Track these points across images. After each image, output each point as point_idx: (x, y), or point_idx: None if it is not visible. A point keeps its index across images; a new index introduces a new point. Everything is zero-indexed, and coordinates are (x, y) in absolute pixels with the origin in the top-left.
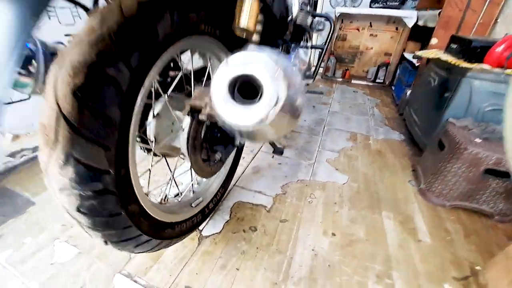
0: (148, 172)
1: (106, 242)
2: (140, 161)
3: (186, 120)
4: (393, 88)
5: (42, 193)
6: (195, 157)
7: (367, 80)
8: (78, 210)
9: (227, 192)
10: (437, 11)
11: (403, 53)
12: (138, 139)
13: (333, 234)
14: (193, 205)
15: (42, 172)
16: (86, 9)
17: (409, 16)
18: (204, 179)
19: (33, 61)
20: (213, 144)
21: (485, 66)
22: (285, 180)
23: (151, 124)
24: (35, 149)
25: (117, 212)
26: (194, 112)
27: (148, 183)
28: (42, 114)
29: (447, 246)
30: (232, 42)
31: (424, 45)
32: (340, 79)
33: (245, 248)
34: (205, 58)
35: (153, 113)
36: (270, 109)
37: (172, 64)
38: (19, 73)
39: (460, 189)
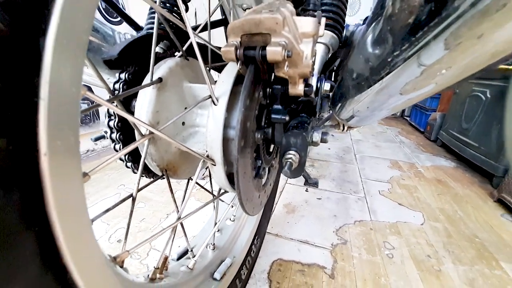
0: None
1: None
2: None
3: (228, 76)
4: (407, 118)
5: None
6: (244, 163)
7: None
8: None
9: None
10: None
11: None
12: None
13: None
14: (216, 276)
15: None
16: None
17: None
18: (231, 220)
19: None
20: (273, 134)
21: None
22: (337, 221)
23: (144, 98)
24: None
25: None
26: (249, 58)
27: (127, 231)
28: None
29: None
30: None
31: None
32: None
33: None
34: None
35: (152, 76)
36: None
37: None
38: None
39: None
